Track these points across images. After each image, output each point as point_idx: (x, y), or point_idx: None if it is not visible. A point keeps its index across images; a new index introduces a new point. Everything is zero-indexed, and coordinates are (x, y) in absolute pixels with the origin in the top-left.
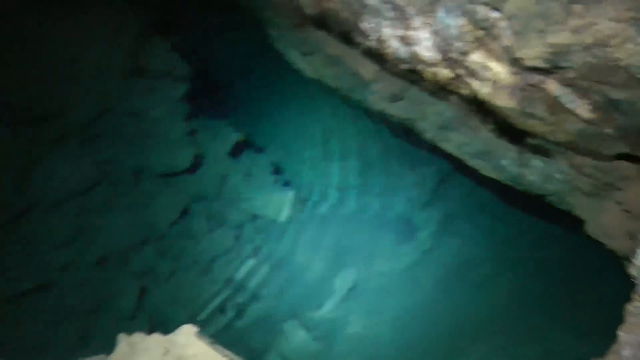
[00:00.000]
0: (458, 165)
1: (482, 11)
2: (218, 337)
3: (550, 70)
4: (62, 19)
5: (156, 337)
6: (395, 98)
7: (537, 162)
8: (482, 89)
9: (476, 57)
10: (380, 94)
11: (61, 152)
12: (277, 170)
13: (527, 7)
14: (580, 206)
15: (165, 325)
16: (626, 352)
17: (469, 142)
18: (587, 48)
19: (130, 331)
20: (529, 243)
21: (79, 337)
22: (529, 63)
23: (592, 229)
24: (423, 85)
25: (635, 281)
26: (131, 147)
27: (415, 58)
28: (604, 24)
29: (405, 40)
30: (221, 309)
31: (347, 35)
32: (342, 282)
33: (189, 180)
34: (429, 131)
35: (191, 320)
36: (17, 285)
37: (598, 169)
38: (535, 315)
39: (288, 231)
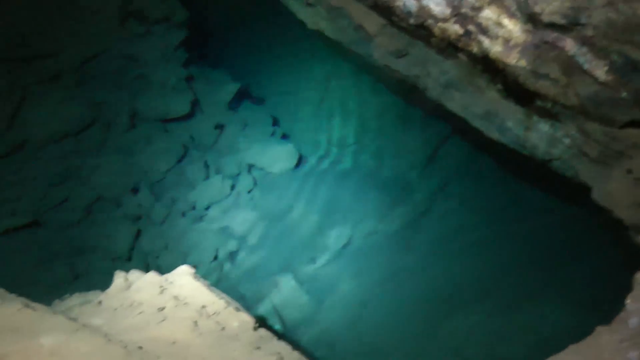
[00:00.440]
0: (460, 127)
1: None
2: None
3: (568, 27)
4: None
5: (152, 276)
6: (399, 54)
7: (544, 125)
8: (493, 47)
9: (489, 13)
10: (384, 49)
11: (55, 91)
12: (275, 122)
13: None
14: (586, 173)
15: (159, 270)
16: (633, 320)
17: (474, 102)
18: (611, 3)
19: (123, 271)
20: (527, 210)
21: (73, 275)
22: (546, 18)
23: (599, 196)
24: (430, 42)
25: None
26: (127, 90)
27: (424, 12)
28: None
29: None
30: (215, 257)
31: None
32: (336, 238)
33: (185, 127)
34: (433, 89)
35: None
36: (9, 220)
37: (608, 136)
38: (529, 282)
39: (284, 184)
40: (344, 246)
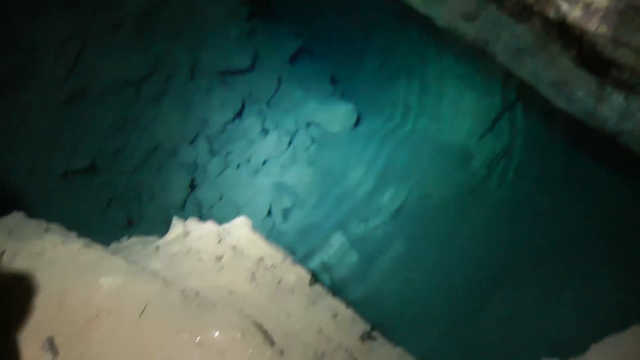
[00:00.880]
0: (526, 95)
1: None
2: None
3: None
4: None
5: (211, 225)
6: (470, 17)
7: (617, 97)
8: (572, 12)
9: None
10: (453, 10)
11: (117, 41)
12: (334, 81)
13: None
14: None
15: (213, 219)
16: None
17: (545, 70)
18: None
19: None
20: (589, 185)
21: (130, 219)
22: None
23: None
24: (504, 5)
25: None
26: (188, 42)
27: None
28: None
29: None
30: (269, 211)
31: None
32: (390, 200)
33: (245, 81)
34: (503, 54)
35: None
36: (70, 163)
37: None
38: (584, 258)
39: (341, 143)
40: (398, 209)
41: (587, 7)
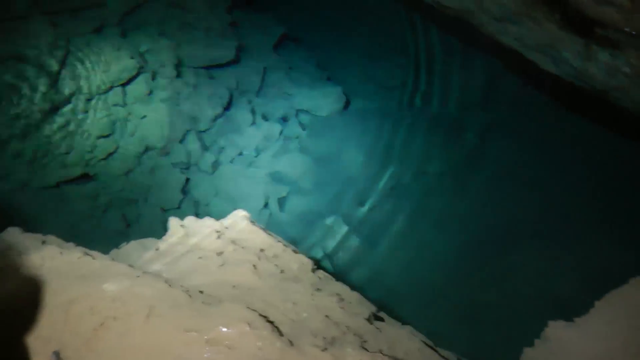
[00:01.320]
0: (513, 61)
1: None
2: None
3: None
4: None
5: (208, 221)
6: None
7: (603, 55)
8: None
9: None
10: None
11: (101, 43)
12: (320, 65)
13: None
14: None
15: (210, 216)
16: None
17: (531, 35)
18: None
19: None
20: (582, 146)
21: (125, 224)
22: None
23: None
24: None
25: None
26: (171, 38)
27: None
28: None
29: None
30: (265, 202)
31: None
32: (385, 180)
33: (231, 73)
34: (488, 24)
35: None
36: (60, 173)
37: None
38: (582, 219)
39: (332, 127)
40: (392, 188)
41: None
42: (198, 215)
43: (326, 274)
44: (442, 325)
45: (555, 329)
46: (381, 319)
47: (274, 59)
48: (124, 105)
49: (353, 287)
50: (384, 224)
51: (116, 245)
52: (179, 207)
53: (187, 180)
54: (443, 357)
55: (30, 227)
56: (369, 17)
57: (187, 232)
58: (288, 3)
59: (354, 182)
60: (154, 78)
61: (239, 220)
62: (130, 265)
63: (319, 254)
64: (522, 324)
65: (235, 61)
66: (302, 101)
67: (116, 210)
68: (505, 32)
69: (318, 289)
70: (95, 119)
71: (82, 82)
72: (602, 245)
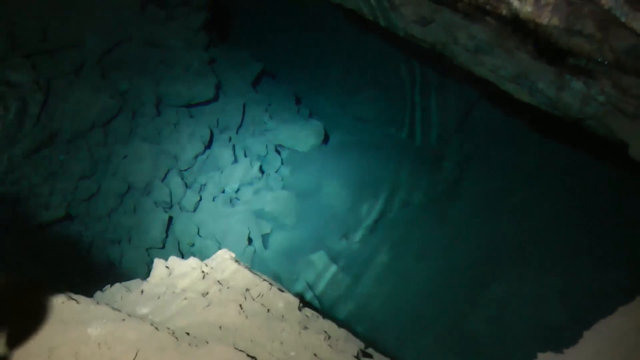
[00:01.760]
0: (489, 92)
1: None
2: None
3: None
4: None
5: (193, 262)
6: (425, 21)
7: (577, 84)
8: (523, 8)
9: None
10: (409, 17)
11: (80, 83)
12: (299, 100)
13: None
14: (622, 129)
15: (193, 256)
16: None
17: (504, 65)
18: None
19: (161, 259)
20: (560, 172)
21: (109, 264)
22: None
23: (637, 152)
24: (457, 7)
25: None
26: (150, 77)
27: None
28: None
29: None
30: (248, 239)
31: None
32: (368, 213)
33: (211, 111)
34: (461, 55)
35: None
36: (42, 215)
37: None
38: (565, 244)
39: (313, 161)
40: (377, 221)
41: (537, 1)
42: (182, 254)
43: (313, 312)
44: (430, 357)
45: None
46: (369, 356)
47: (253, 95)
48: (105, 145)
49: (340, 324)
50: (367, 257)
51: (100, 287)
52: (163, 247)
53: (170, 219)
54: None
55: (14, 270)
56: (345, 52)
57: (172, 273)
58: (264, 40)
59: (336, 216)
60: (134, 117)
61: (223, 260)
62: (115, 308)
63: (304, 289)
64: (509, 352)
65: (214, 99)
66: (283, 137)
67: (100, 252)
68: (479, 63)
69: (305, 327)
70: (78, 159)
71: (63, 123)
72: (584, 269)
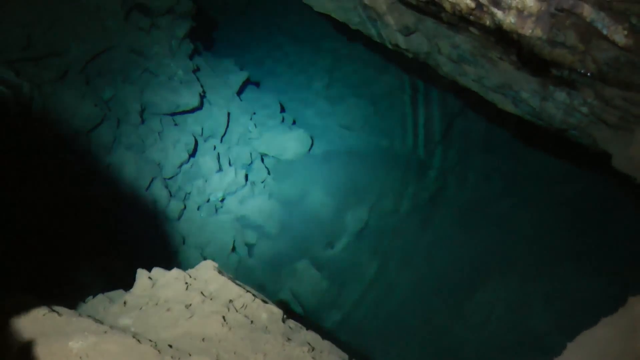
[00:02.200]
0: (473, 101)
1: None
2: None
3: None
4: None
5: (176, 273)
6: (408, 31)
7: (560, 94)
8: (507, 19)
9: None
10: (393, 27)
11: (64, 91)
12: (284, 109)
13: None
14: (605, 139)
15: (178, 265)
16: None
17: (488, 75)
18: None
19: (144, 269)
20: (544, 181)
21: (96, 273)
22: None
23: (620, 162)
24: (440, 17)
25: None
26: (135, 86)
27: None
28: None
29: None
30: (233, 248)
31: None
32: (353, 222)
33: (195, 119)
34: (445, 65)
35: (203, 259)
36: (33, 220)
37: (628, 100)
38: (549, 252)
39: (298, 170)
40: (361, 229)
41: (520, 12)
42: (167, 263)
43: (297, 323)
44: None
45: None
46: None
47: (237, 103)
48: (89, 153)
49: (324, 334)
50: (352, 265)
51: (83, 298)
52: (147, 257)
53: (156, 228)
54: None
55: None
56: (330, 61)
57: (155, 284)
58: (248, 48)
59: (321, 225)
60: (118, 125)
61: (207, 270)
62: (97, 320)
63: (288, 298)
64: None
65: (199, 107)
66: (267, 145)
67: (83, 261)
68: (463, 73)
69: (289, 339)
70: (65, 167)
71: (50, 130)
72: (568, 277)
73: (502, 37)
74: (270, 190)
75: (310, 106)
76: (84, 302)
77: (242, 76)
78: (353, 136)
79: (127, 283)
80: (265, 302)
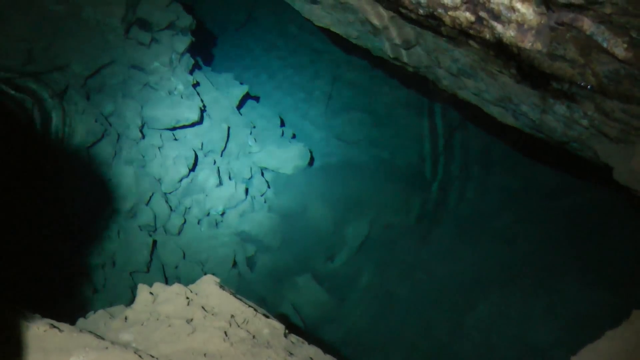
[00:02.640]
0: (473, 114)
1: None
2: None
3: (585, 6)
4: None
5: (177, 288)
6: (408, 45)
7: (560, 107)
8: (507, 32)
9: None
10: (393, 41)
11: (64, 106)
12: (284, 123)
13: None
14: (606, 152)
15: (178, 280)
16: None
17: (487, 89)
18: None
19: (145, 284)
20: (546, 194)
21: (94, 289)
22: (563, 0)
23: (621, 175)
24: (440, 31)
25: None
26: (135, 100)
27: (434, 2)
28: None
29: None
30: (234, 262)
31: None
32: (354, 235)
33: (195, 134)
34: (445, 78)
35: (203, 273)
36: (32, 236)
37: (629, 113)
38: (550, 265)
39: (298, 183)
40: (362, 242)
41: (520, 25)
42: (167, 278)
43: (299, 338)
44: None
45: None
46: None
47: (237, 118)
48: (90, 167)
49: (326, 348)
50: (353, 278)
51: (83, 314)
52: (147, 271)
53: (155, 242)
54: None
55: None
56: (329, 74)
57: (156, 299)
58: (248, 63)
59: (322, 238)
60: (118, 140)
61: (208, 285)
62: (98, 336)
63: (290, 312)
64: None
65: (199, 122)
66: (267, 159)
67: (83, 277)
68: (463, 86)
69: (290, 354)
70: (64, 183)
71: (51, 147)
72: (569, 290)
73: (502, 51)
74: (270, 204)
75: (310, 119)
76: (84, 317)
77: (241, 90)
78: (353, 149)
79: (128, 297)
80: (266, 316)
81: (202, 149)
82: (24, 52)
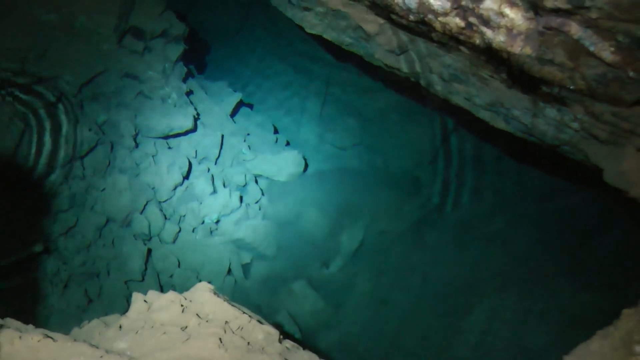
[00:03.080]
0: (465, 120)
1: None
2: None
3: (572, 11)
4: None
5: (172, 295)
6: (400, 51)
7: (551, 111)
8: (496, 37)
9: (490, 4)
10: (384, 47)
11: (57, 116)
12: (277, 130)
13: None
14: (597, 155)
15: (173, 288)
16: None
17: (479, 94)
18: None
19: (140, 292)
20: (539, 197)
21: (87, 299)
22: (550, 5)
23: (611, 177)
24: (431, 37)
25: None
26: (128, 109)
27: (424, 8)
28: None
29: None
30: (228, 270)
31: None
32: (348, 241)
33: (189, 142)
34: (436, 84)
35: (198, 281)
36: (20, 250)
37: (617, 116)
38: (544, 268)
39: (292, 191)
40: (357, 248)
41: (509, 31)
42: (162, 287)
43: (293, 344)
44: None
45: None
46: None
47: (231, 125)
48: (83, 178)
49: (321, 354)
50: (348, 285)
51: (78, 322)
52: (142, 280)
53: (149, 251)
54: None
55: None
56: (322, 81)
57: (151, 307)
58: (241, 70)
59: (317, 245)
60: (112, 149)
61: (202, 293)
62: (93, 345)
63: (285, 319)
64: None
65: (193, 130)
66: (261, 167)
67: (77, 286)
68: (454, 91)
69: (286, 359)
70: (56, 193)
71: (41, 158)
72: (563, 292)
73: (492, 56)
74: (265, 212)
75: (303, 127)
76: (79, 327)
77: (235, 98)
78: (347, 156)
79: (123, 306)
80: (261, 323)
81: (196, 157)
82: (17, 61)
